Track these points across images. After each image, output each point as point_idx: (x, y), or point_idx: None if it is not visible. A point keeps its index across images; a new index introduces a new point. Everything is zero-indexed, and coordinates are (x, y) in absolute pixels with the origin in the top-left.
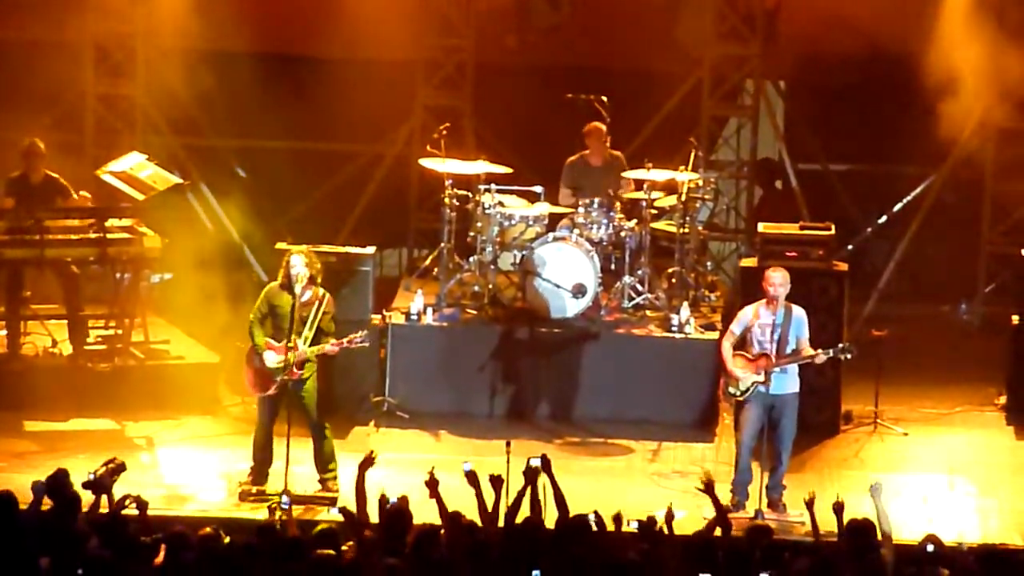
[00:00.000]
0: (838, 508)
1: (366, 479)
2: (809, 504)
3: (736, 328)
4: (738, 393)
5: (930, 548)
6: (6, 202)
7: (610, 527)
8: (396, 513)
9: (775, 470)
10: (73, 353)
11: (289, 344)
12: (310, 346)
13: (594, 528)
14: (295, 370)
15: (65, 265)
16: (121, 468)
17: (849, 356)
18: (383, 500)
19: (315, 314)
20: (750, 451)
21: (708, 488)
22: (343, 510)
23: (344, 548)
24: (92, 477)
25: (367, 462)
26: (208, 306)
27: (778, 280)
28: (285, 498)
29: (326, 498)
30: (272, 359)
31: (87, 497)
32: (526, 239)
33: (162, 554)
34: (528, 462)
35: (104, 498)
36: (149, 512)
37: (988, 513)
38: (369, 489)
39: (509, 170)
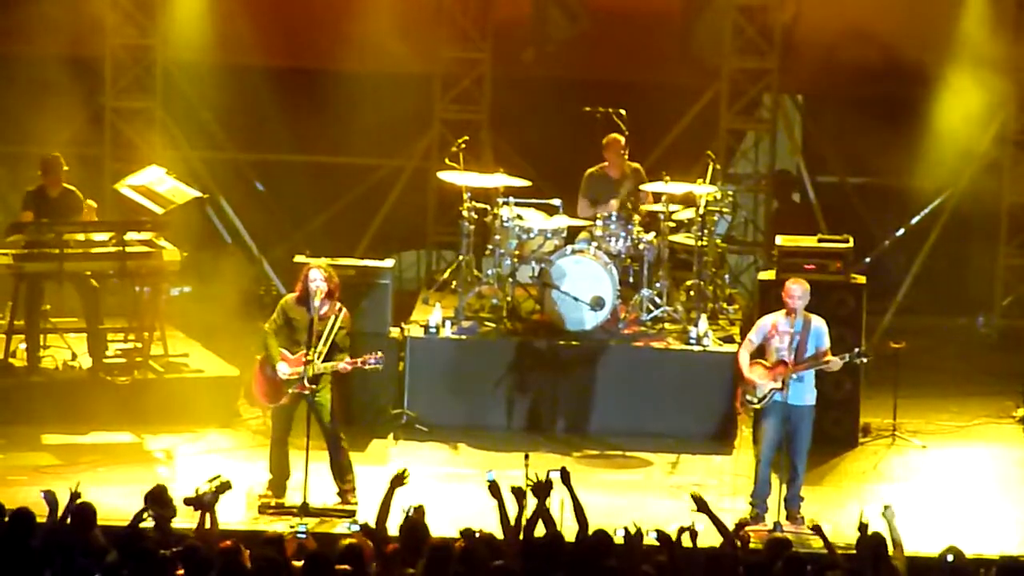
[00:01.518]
0: (863, 527)
1: (393, 496)
2: (817, 530)
3: (755, 337)
4: (755, 401)
5: (950, 559)
6: (24, 215)
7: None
8: (413, 525)
9: (792, 482)
10: (92, 366)
11: (307, 357)
12: (323, 361)
13: (621, 541)
14: (306, 383)
15: (84, 278)
16: (227, 487)
17: (865, 360)
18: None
19: (331, 329)
20: (769, 463)
21: (700, 506)
22: (364, 527)
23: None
24: (196, 494)
25: (398, 480)
26: (227, 320)
27: (797, 292)
28: (303, 527)
29: (344, 511)
30: (284, 370)
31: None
32: (544, 252)
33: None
34: (547, 475)
35: (207, 516)
36: (168, 525)
37: (1007, 525)
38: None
39: (527, 183)
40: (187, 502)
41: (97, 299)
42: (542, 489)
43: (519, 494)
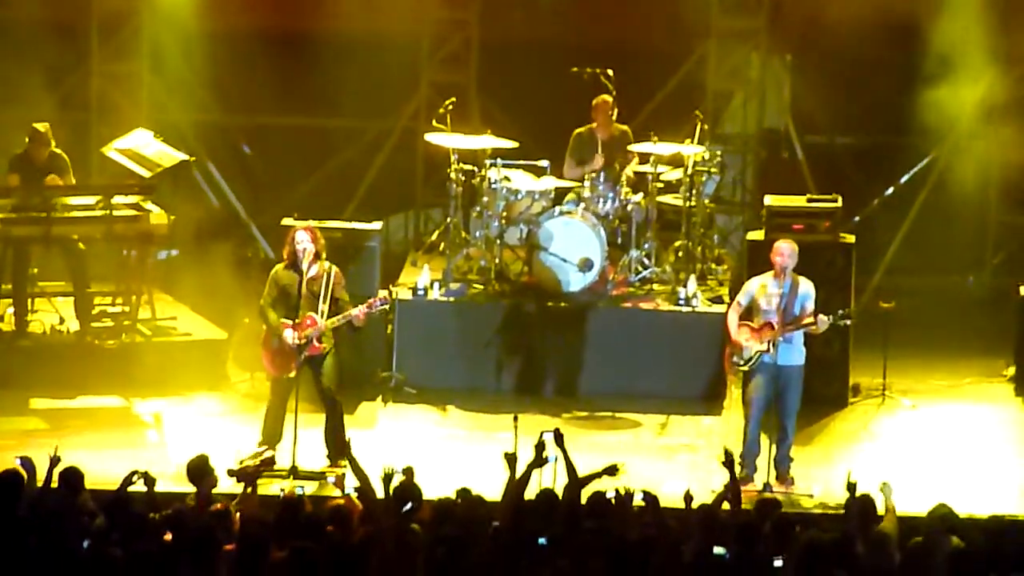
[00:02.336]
0: (851, 487)
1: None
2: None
3: (742, 299)
4: (742, 362)
5: (939, 517)
6: (10, 179)
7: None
8: (404, 487)
9: (781, 443)
10: (80, 330)
11: (297, 320)
12: (328, 319)
13: (612, 503)
14: (316, 343)
15: (71, 242)
16: (271, 462)
17: (848, 322)
18: (387, 478)
19: (326, 287)
20: (758, 423)
21: (728, 463)
22: (360, 491)
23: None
24: (240, 466)
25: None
26: (215, 283)
27: (786, 251)
28: (299, 489)
29: (334, 474)
30: (291, 336)
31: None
32: (532, 213)
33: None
34: (541, 436)
35: (249, 489)
36: (157, 489)
37: (998, 485)
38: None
39: (515, 144)
40: (231, 474)
41: (84, 263)
42: (539, 449)
43: (510, 459)
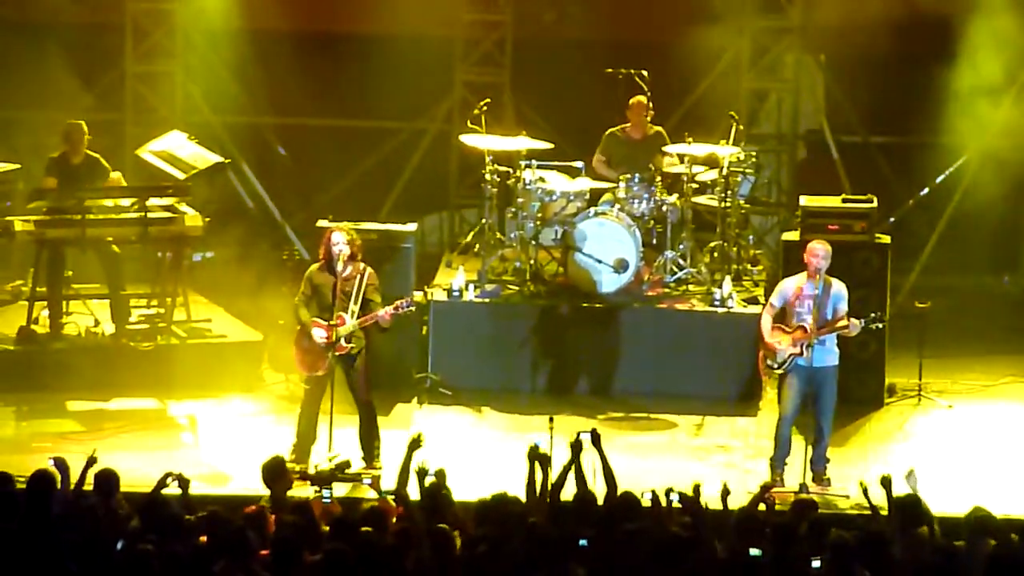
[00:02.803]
0: (886, 483)
1: (411, 460)
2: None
3: (776, 301)
4: (775, 366)
5: (976, 519)
6: (48, 182)
7: (662, 502)
8: (434, 489)
9: (817, 443)
10: (115, 332)
11: (332, 322)
12: (358, 319)
13: (649, 505)
14: (344, 343)
15: (106, 244)
16: (346, 465)
17: (880, 326)
18: (422, 473)
19: (359, 287)
20: (790, 425)
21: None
22: (398, 494)
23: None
24: (315, 471)
25: (415, 443)
26: (249, 285)
27: (820, 252)
28: (326, 492)
29: (370, 476)
30: (320, 335)
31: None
32: (567, 214)
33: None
34: (578, 436)
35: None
36: (192, 491)
37: None
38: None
39: (550, 145)
40: (305, 477)
41: (119, 265)
42: (575, 448)
43: (544, 460)
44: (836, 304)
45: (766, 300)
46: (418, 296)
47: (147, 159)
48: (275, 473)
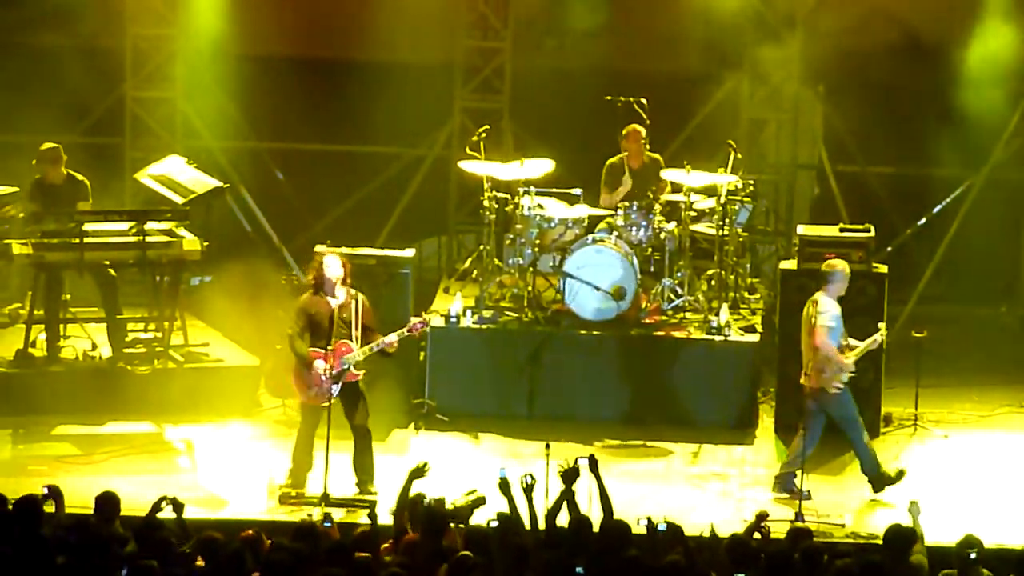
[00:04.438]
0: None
1: (411, 487)
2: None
3: (833, 322)
4: (842, 385)
5: (971, 551)
6: (30, 206)
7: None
8: (433, 515)
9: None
10: (112, 356)
11: (330, 348)
12: (363, 345)
13: (644, 532)
14: (354, 371)
15: (103, 268)
16: (481, 502)
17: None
18: (419, 500)
19: (356, 314)
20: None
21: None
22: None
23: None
24: (452, 506)
25: (418, 472)
26: (247, 310)
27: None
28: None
29: (365, 501)
30: (321, 366)
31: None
32: (565, 241)
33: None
34: (575, 462)
35: (452, 527)
36: (186, 515)
37: None
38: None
39: (550, 165)
40: (437, 511)
41: (115, 288)
42: (570, 476)
43: (528, 489)
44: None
45: (763, 328)
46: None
47: (146, 183)
48: (438, 524)
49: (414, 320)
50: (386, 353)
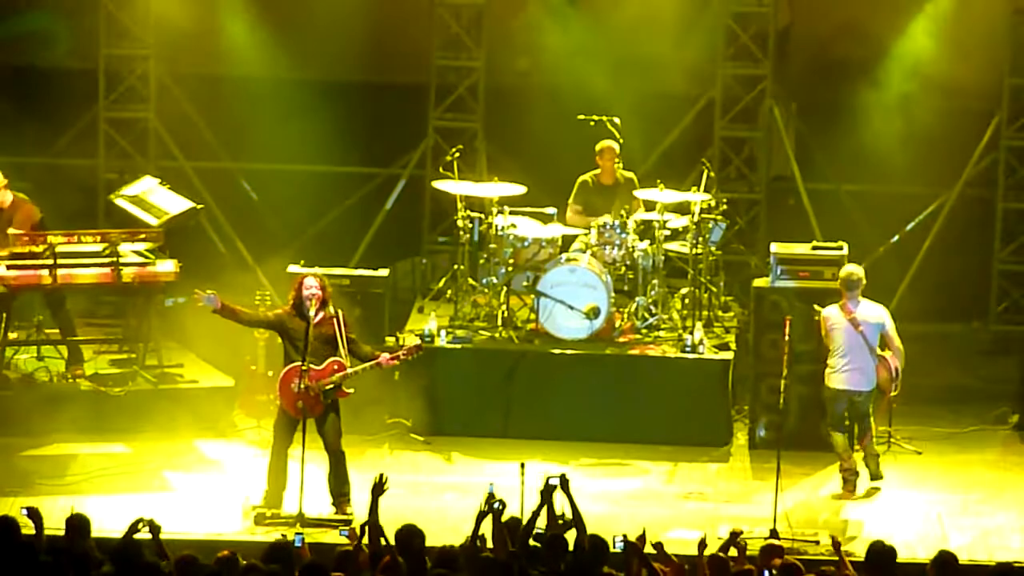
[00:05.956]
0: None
1: (379, 504)
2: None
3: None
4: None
5: (942, 564)
6: None
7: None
8: (409, 535)
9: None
10: (66, 372)
11: (303, 367)
12: (351, 357)
13: (618, 551)
14: (345, 389)
15: (54, 292)
16: (503, 506)
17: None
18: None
19: (338, 332)
20: None
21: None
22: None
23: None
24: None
25: (378, 488)
26: (222, 331)
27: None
28: (299, 537)
29: (341, 521)
30: (297, 383)
31: None
32: (539, 260)
33: None
34: (547, 480)
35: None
36: (163, 536)
37: (1003, 532)
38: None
39: (523, 190)
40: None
41: (67, 309)
42: (546, 492)
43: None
44: None
45: (737, 346)
46: (390, 341)
47: (121, 205)
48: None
49: (411, 344)
50: (382, 368)
